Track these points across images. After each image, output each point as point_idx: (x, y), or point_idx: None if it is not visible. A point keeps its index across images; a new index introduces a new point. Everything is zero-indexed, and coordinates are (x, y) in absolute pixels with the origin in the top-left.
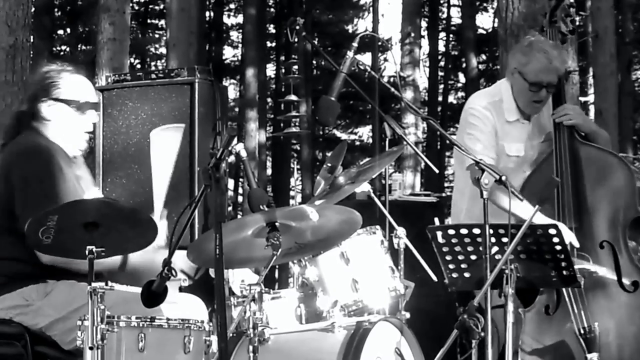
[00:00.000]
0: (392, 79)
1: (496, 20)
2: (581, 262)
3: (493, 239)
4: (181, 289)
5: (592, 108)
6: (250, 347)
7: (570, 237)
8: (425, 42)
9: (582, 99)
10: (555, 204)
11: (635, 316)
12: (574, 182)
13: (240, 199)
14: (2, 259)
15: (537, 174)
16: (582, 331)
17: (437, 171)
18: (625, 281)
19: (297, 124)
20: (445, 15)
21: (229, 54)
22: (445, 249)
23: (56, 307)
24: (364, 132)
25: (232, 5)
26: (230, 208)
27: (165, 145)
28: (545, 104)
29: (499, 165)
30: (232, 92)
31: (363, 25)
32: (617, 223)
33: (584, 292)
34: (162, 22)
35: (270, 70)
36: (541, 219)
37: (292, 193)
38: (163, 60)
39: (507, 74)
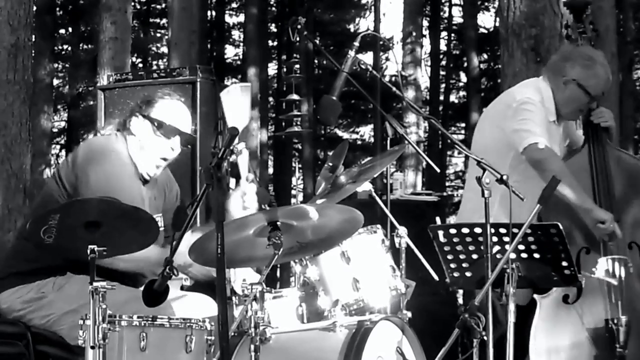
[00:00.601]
0: (393, 78)
1: (497, 19)
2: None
3: (494, 238)
4: (182, 288)
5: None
6: (252, 347)
7: (615, 227)
8: (426, 41)
9: None
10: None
11: None
12: (606, 182)
13: None
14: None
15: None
16: (615, 321)
17: (438, 170)
18: None
19: (298, 123)
20: (446, 15)
21: (231, 53)
22: (446, 248)
23: (67, 299)
24: (366, 132)
25: (233, 5)
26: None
27: (235, 103)
28: None
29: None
30: None
31: (364, 24)
32: None
33: (625, 285)
34: (164, 21)
35: (272, 69)
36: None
37: (293, 192)
38: (164, 60)
39: (556, 80)
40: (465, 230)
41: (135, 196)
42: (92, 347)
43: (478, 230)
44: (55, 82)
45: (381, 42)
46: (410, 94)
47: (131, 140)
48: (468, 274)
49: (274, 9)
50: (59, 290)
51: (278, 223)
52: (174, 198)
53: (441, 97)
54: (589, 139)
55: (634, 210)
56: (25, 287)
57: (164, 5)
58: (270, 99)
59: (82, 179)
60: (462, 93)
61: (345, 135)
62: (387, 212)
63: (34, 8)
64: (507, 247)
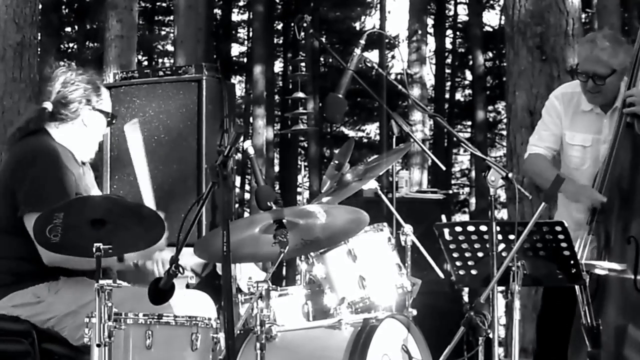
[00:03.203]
0: (399, 76)
1: (503, 17)
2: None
3: (500, 236)
4: (188, 286)
5: None
6: (258, 344)
7: (599, 198)
8: (432, 39)
9: None
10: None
11: None
12: (623, 174)
13: (247, 196)
14: (10, 258)
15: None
16: (586, 324)
17: (444, 168)
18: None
19: (304, 121)
20: (452, 13)
21: (236, 51)
22: (452, 246)
23: (66, 302)
24: (372, 130)
25: (240, 3)
26: (237, 205)
27: (137, 140)
28: (607, 95)
29: (562, 155)
30: (239, 89)
31: (370, 22)
32: None
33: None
34: (169, 18)
35: (278, 67)
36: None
37: (299, 190)
38: (169, 57)
39: None
40: (470, 228)
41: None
42: (98, 345)
43: (483, 228)
44: None
45: (387, 40)
46: (415, 92)
47: (78, 130)
48: (474, 272)
49: (279, 6)
50: (56, 294)
51: (284, 221)
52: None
53: (446, 95)
54: (616, 125)
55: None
56: (17, 293)
57: (169, 3)
58: (276, 96)
59: (17, 186)
60: (467, 91)
61: (351, 133)
62: (393, 210)
63: (40, 6)
64: (512, 245)
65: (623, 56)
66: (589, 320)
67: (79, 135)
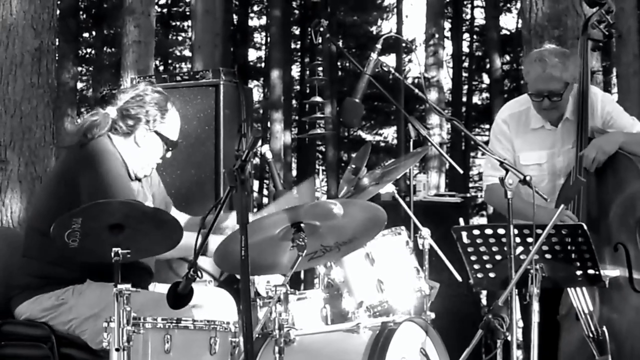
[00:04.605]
0: (416, 80)
1: (520, 20)
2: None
3: (518, 239)
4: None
5: None
6: (276, 348)
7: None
8: (449, 43)
9: None
10: (572, 206)
11: None
12: (593, 187)
13: (265, 200)
14: (43, 261)
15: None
16: (591, 335)
17: (461, 172)
18: (636, 281)
19: (322, 125)
20: (468, 16)
21: (254, 55)
22: (470, 249)
23: (88, 305)
24: (389, 133)
25: (256, 8)
26: (255, 210)
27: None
28: (561, 109)
29: None
30: (257, 94)
31: (387, 26)
32: (630, 223)
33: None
34: (186, 23)
35: (295, 72)
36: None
37: (317, 194)
38: (186, 62)
39: None
40: (488, 231)
41: (131, 194)
42: (117, 350)
43: (501, 231)
44: (79, 85)
45: (404, 44)
46: (432, 95)
47: (132, 148)
48: (492, 274)
49: (296, 11)
50: (79, 296)
51: (302, 225)
52: (157, 182)
53: (464, 99)
54: (577, 142)
55: (619, 211)
56: (43, 296)
57: (186, 8)
58: (294, 101)
59: (79, 186)
60: (484, 94)
61: (369, 137)
62: (411, 213)
63: (58, 12)
64: (530, 247)
65: (572, 67)
66: (592, 330)
67: (131, 152)
